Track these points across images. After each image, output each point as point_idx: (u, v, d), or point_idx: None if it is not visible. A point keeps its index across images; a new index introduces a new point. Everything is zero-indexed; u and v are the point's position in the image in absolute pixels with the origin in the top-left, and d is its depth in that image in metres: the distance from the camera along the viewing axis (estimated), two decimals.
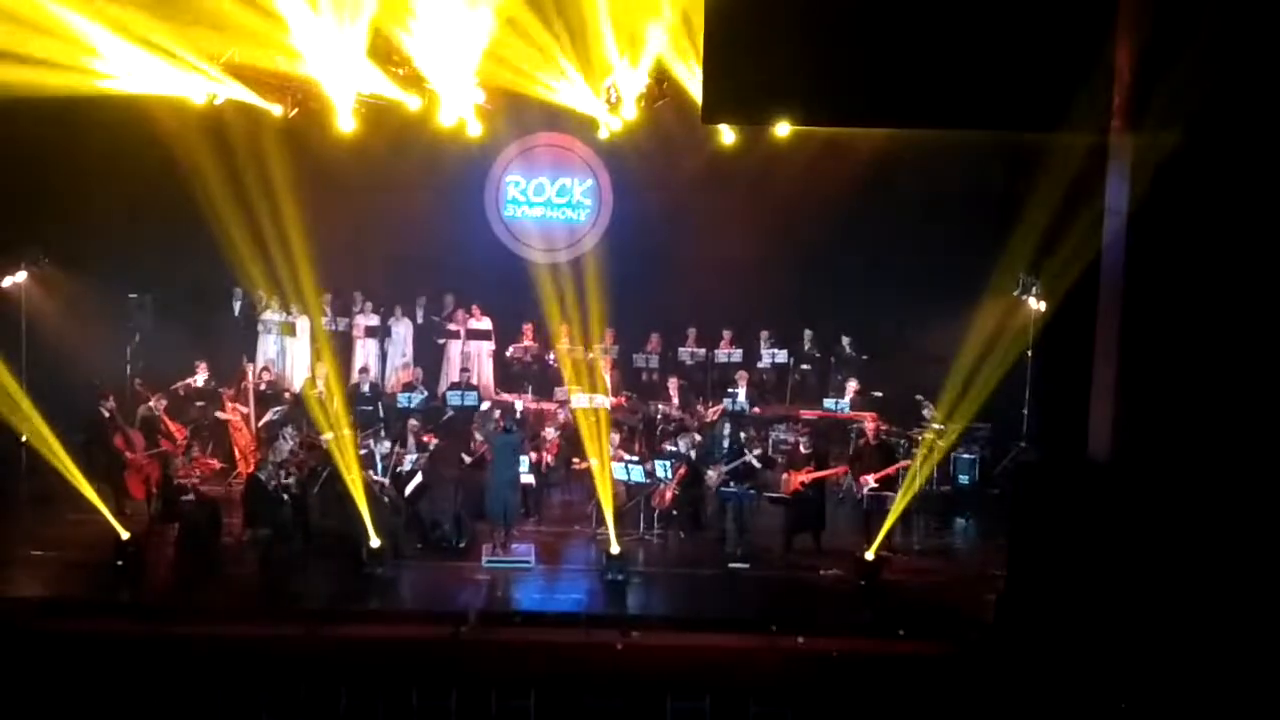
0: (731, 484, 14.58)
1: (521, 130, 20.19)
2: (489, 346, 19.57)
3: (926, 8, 11.46)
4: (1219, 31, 10.46)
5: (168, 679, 11.92)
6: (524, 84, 16.65)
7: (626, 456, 15.03)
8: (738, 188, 19.08)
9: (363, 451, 14.71)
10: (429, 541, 14.39)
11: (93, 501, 13.70)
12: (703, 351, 19.06)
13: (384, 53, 16.15)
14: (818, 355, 19.22)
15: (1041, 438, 16.03)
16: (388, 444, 15.00)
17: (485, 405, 16.86)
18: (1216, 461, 10.64)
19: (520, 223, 20.88)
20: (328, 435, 15.00)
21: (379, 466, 14.52)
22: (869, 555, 13.50)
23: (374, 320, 19.46)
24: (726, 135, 17.96)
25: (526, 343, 19.35)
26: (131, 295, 18.45)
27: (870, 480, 14.42)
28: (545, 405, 18.12)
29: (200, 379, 17.38)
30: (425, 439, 15.30)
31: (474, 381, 18.60)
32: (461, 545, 14.27)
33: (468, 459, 14.87)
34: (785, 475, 14.74)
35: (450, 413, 17.30)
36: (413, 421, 15.68)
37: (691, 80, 15.61)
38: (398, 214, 19.36)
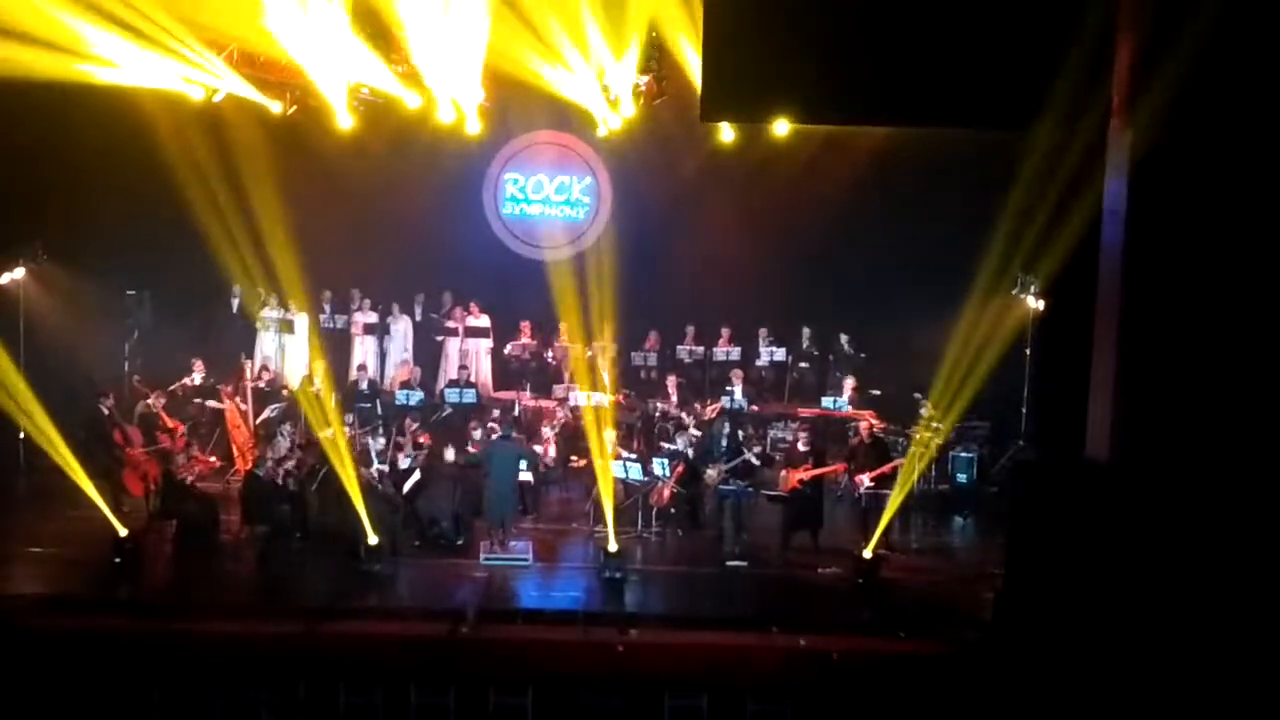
0: (730, 482, 14.58)
1: (520, 128, 20.20)
2: (487, 344, 19.59)
3: (926, 6, 11.46)
4: (1217, 30, 10.46)
5: (166, 676, 11.94)
6: (525, 78, 16.63)
7: (625, 454, 15.03)
8: (737, 186, 19.10)
9: (358, 448, 14.72)
10: (427, 539, 14.39)
11: (91, 498, 13.68)
12: (701, 349, 19.06)
13: (384, 49, 16.15)
14: (816, 353, 19.24)
15: (1040, 436, 16.04)
16: (383, 440, 14.99)
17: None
18: (1215, 460, 10.64)
19: (519, 220, 20.90)
20: (328, 432, 15.00)
21: (374, 463, 14.51)
22: (867, 553, 13.50)
23: (372, 318, 19.46)
24: (726, 133, 17.97)
25: (525, 340, 19.36)
26: (130, 292, 18.49)
27: (866, 479, 14.42)
28: (544, 403, 18.13)
29: (197, 378, 17.38)
30: (421, 439, 15.29)
31: (472, 379, 18.60)
32: (459, 543, 14.27)
33: (451, 456, 14.78)
34: (783, 473, 14.74)
35: (448, 410, 17.30)
36: (409, 421, 15.67)
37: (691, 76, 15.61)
38: (396, 211, 19.39)
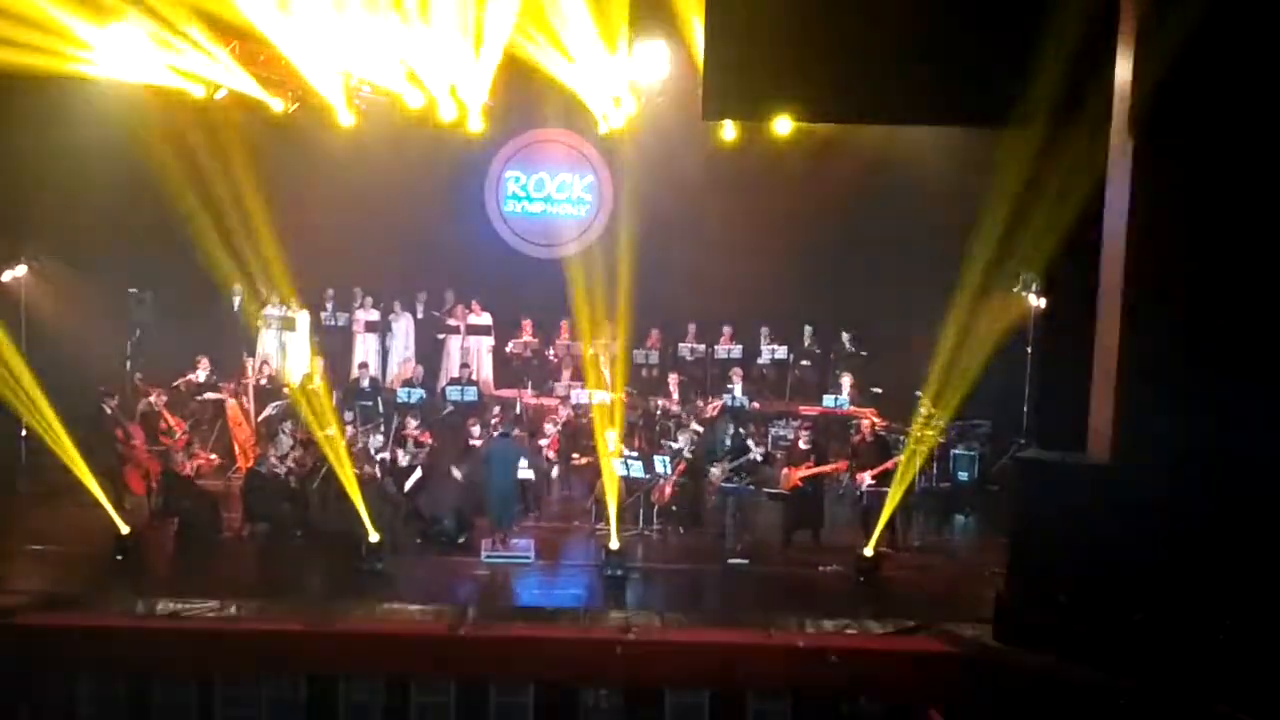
0: (733, 480, 14.58)
1: (522, 126, 20.20)
2: (489, 342, 19.59)
3: (926, 6, 11.48)
4: (1220, 33, 10.46)
5: (166, 673, 11.95)
6: (528, 75, 16.63)
7: (626, 452, 15.03)
8: (739, 183, 19.08)
9: (357, 446, 14.72)
10: (428, 536, 14.39)
11: (93, 495, 13.68)
12: (703, 347, 19.07)
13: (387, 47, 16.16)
14: (818, 351, 19.23)
15: (1041, 434, 16.01)
16: (381, 438, 14.99)
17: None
18: (1215, 458, 10.64)
19: (520, 218, 20.90)
20: (329, 431, 15.01)
21: (374, 460, 14.51)
22: (868, 551, 13.50)
23: (374, 315, 19.46)
24: (727, 131, 17.96)
25: (526, 338, 19.36)
26: (132, 290, 18.48)
27: (868, 477, 14.42)
28: (545, 401, 18.14)
29: (201, 374, 17.40)
30: (422, 438, 15.30)
31: (474, 377, 18.60)
32: (461, 541, 14.26)
33: (459, 475, 14.77)
34: (785, 471, 14.75)
35: (449, 408, 17.31)
36: (410, 420, 15.69)
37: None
38: (398, 209, 19.40)
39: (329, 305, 19.40)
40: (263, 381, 17.42)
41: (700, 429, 16.08)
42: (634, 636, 11.97)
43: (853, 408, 17.29)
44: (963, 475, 16.33)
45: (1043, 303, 16.02)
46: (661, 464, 14.84)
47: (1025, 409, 16.66)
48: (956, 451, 16.30)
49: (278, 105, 17.48)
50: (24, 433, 15.66)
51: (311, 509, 14.58)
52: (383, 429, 15.75)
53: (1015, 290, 16.59)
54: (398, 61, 16.43)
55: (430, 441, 15.28)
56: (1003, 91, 11.28)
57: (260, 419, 16.78)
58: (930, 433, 15.24)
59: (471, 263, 20.21)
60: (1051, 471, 11.73)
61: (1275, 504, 10.52)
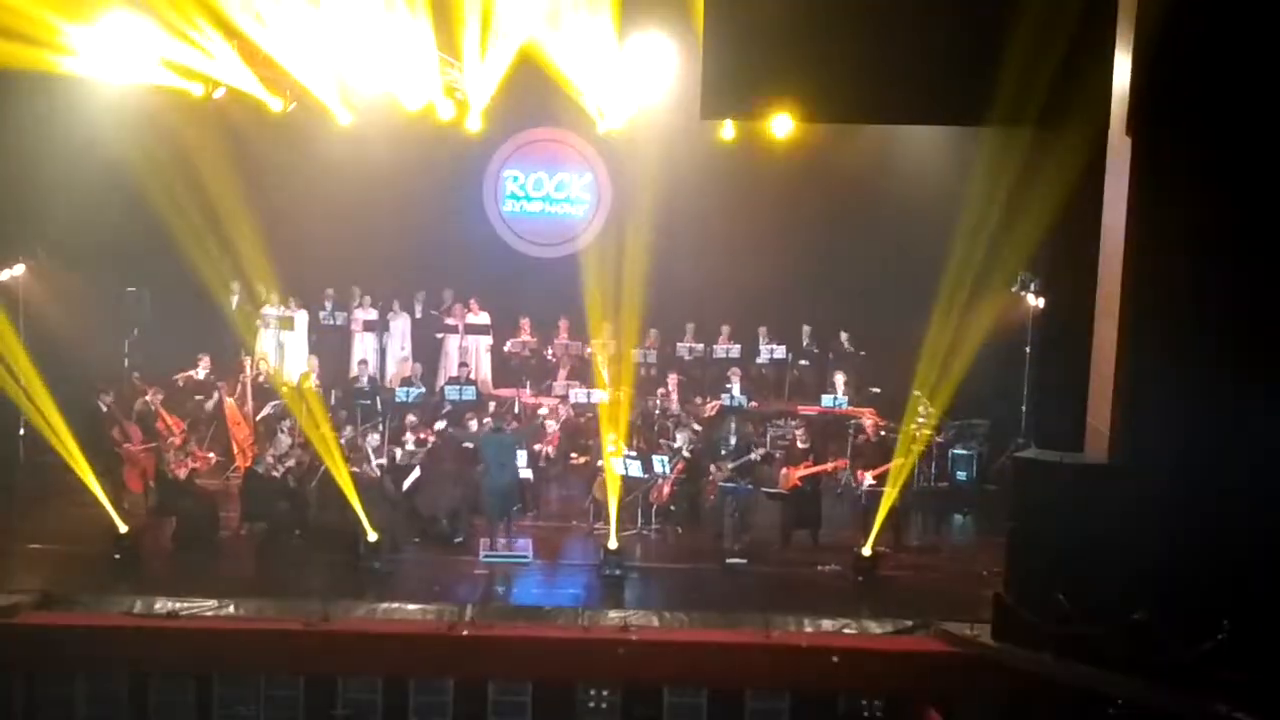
0: (734, 479, 14.58)
1: (521, 125, 20.19)
2: (487, 341, 19.57)
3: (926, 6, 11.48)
4: (1218, 32, 10.47)
5: (164, 672, 11.95)
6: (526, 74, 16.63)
7: (625, 451, 15.02)
8: (737, 183, 19.06)
9: (356, 445, 14.71)
10: (426, 536, 14.39)
11: (91, 494, 13.66)
12: (701, 347, 19.06)
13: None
14: (816, 351, 19.23)
15: (1040, 434, 16.02)
16: (377, 437, 14.98)
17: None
18: (1213, 458, 10.64)
19: (519, 217, 20.90)
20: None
21: (371, 459, 14.51)
22: (866, 551, 13.50)
23: (372, 315, 19.44)
24: (726, 130, 17.94)
25: (524, 337, 19.35)
26: (130, 289, 18.44)
27: (869, 477, 14.42)
28: (544, 400, 18.14)
29: (201, 372, 17.39)
30: (422, 436, 15.30)
31: (472, 376, 18.59)
32: (458, 540, 14.26)
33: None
34: (784, 471, 14.75)
35: (448, 407, 17.29)
36: (410, 418, 15.67)
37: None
38: (396, 208, 19.39)
39: (328, 304, 19.38)
40: (261, 380, 17.41)
41: (699, 428, 16.08)
42: (633, 636, 11.98)
43: (851, 407, 17.28)
44: (961, 475, 16.34)
45: (1041, 302, 16.05)
46: (660, 463, 14.84)
47: (1024, 409, 16.67)
48: (955, 451, 16.30)
49: (276, 104, 17.44)
50: (22, 431, 15.63)
51: (310, 508, 14.56)
52: (380, 428, 15.74)
53: (1013, 290, 16.59)
54: (398, 61, 16.40)
55: (431, 438, 15.27)
56: (999, 91, 11.29)
57: (259, 418, 16.76)
58: (925, 431, 15.25)
59: (470, 262, 20.19)
60: (1050, 471, 11.74)
61: (1274, 503, 10.52)
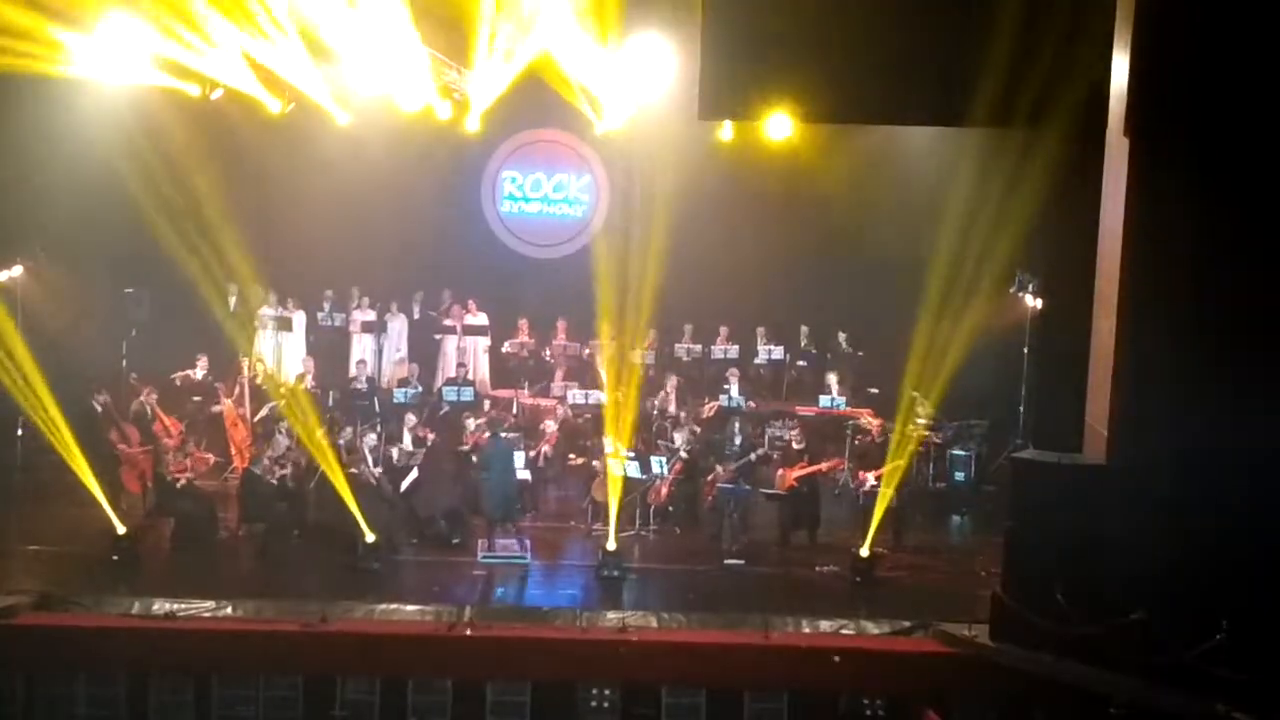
0: (736, 480, 14.58)
1: (519, 126, 20.19)
2: (485, 342, 19.58)
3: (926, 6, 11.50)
4: (1217, 33, 10.48)
5: (163, 673, 11.94)
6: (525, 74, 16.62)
7: (624, 452, 15.02)
8: (735, 183, 19.07)
9: (352, 446, 14.71)
10: (424, 536, 14.38)
11: (90, 494, 13.64)
12: (699, 348, 19.06)
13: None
14: (814, 351, 19.24)
15: (1038, 434, 16.03)
16: (373, 437, 14.98)
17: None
18: (1212, 458, 10.64)
19: (517, 218, 20.90)
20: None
21: (370, 460, 14.50)
22: (864, 551, 13.50)
23: (370, 316, 19.44)
24: (724, 131, 17.95)
25: (522, 338, 19.35)
26: (128, 290, 18.43)
27: (871, 477, 14.42)
28: (542, 401, 18.14)
29: (200, 372, 17.38)
30: (422, 434, 15.30)
31: (470, 377, 18.59)
32: (456, 541, 14.25)
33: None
34: (780, 472, 14.76)
35: (445, 408, 17.29)
36: (410, 417, 15.67)
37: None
38: (395, 209, 19.39)
39: (326, 305, 19.38)
40: (259, 380, 17.40)
41: (697, 429, 16.09)
42: (631, 637, 11.98)
43: (849, 408, 17.29)
44: (959, 476, 16.33)
45: (1039, 303, 16.05)
46: (658, 464, 14.84)
47: (1022, 409, 16.68)
48: (953, 452, 16.31)
49: (274, 105, 17.43)
50: (20, 432, 15.62)
51: (308, 509, 14.55)
52: (378, 429, 15.73)
53: (1012, 291, 16.61)
54: (395, 62, 16.39)
55: (432, 436, 15.27)
56: (997, 92, 11.30)
57: (257, 419, 16.76)
58: (922, 432, 15.26)
59: (468, 263, 20.21)
60: (1048, 472, 11.75)
61: (1272, 503, 10.53)
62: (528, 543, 14.15)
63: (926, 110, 12.47)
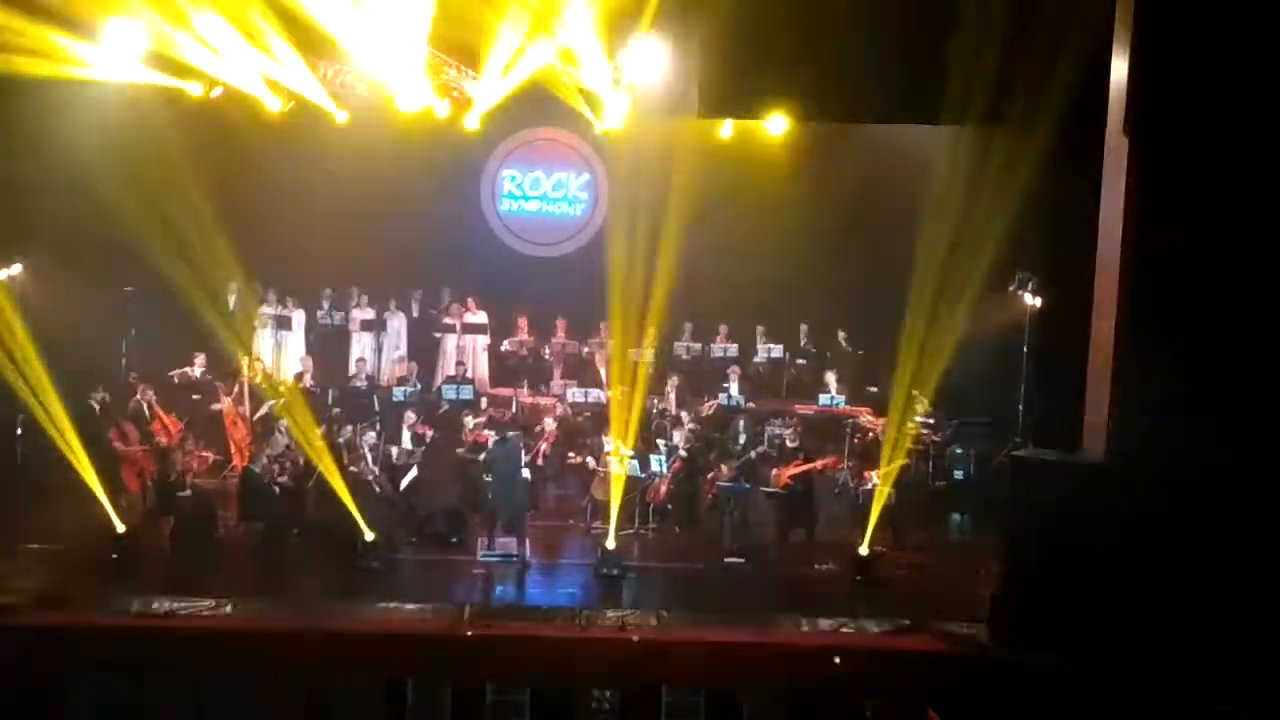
0: (737, 479, 14.58)
1: (518, 124, 20.18)
2: (484, 340, 19.57)
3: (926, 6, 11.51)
4: (1216, 33, 10.48)
5: (162, 671, 11.94)
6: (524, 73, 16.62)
7: (624, 450, 15.02)
8: (735, 181, 19.04)
9: (342, 441, 14.70)
10: (424, 535, 14.38)
11: (89, 493, 13.64)
12: (699, 346, 19.06)
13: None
14: (814, 350, 19.24)
15: (1037, 433, 16.03)
16: (373, 436, 14.98)
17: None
18: (1211, 457, 10.65)
19: (516, 217, 20.90)
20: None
21: (369, 459, 14.50)
22: (863, 550, 13.51)
23: (370, 314, 19.44)
24: (724, 129, 17.94)
25: (522, 336, 19.35)
26: (127, 289, 18.42)
27: (874, 476, 14.42)
28: (541, 399, 18.13)
29: (198, 370, 17.37)
30: (422, 431, 15.30)
31: (469, 375, 18.59)
32: (455, 540, 14.25)
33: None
34: (775, 471, 14.76)
35: (445, 406, 17.29)
36: (410, 415, 15.67)
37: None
38: (394, 208, 19.37)
39: (325, 304, 19.38)
40: (257, 379, 17.40)
41: (696, 427, 16.09)
42: (631, 635, 11.98)
43: (849, 406, 17.29)
44: (959, 474, 16.33)
45: (1038, 301, 16.05)
46: (657, 462, 14.84)
47: (1021, 408, 16.66)
48: (953, 450, 16.29)
49: (274, 104, 17.42)
50: (19, 431, 15.62)
51: (307, 508, 14.55)
52: (378, 427, 15.73)
53: (1011, 289, 16.59)
54: (394, 61, 16.38)
55: (432, 433, 15.26)
56: (995, 92, 11.31)
57: (256, 418, 16.76)
58: (919, 430, 15.27)
59: (467, 261, 20.20)
60: (1047, 470, 11.76)
61: (1271, 502, 10.54)
62: (527, 541, 14.14)
63: (925, 109, 12.47)
